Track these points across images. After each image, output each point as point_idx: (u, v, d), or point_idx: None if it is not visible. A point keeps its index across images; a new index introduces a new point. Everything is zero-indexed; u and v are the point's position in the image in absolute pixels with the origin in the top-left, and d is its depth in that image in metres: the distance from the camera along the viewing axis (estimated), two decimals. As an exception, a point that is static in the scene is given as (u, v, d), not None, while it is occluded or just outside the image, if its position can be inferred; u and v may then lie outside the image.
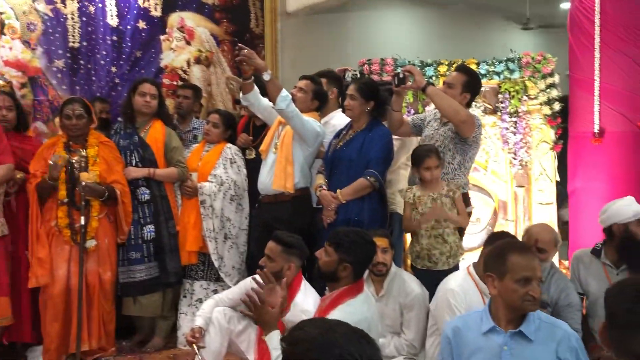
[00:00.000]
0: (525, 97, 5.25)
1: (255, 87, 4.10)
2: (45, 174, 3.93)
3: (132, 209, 4.19)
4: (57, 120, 4.74)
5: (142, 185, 4.27)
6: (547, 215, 5.20)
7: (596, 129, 4.98)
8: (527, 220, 5.26)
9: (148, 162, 4.33)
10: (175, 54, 5.97)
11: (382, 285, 3.63)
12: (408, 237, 4.20)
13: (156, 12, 5.86)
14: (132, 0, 5.71)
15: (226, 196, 4.47)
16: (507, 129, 5.26)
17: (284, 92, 3.88)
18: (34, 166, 4.02)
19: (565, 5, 6.35)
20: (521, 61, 5.26)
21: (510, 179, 5.33)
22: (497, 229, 5.18)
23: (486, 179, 5.35)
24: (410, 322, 3.59)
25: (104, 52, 5.60)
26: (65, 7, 5.44)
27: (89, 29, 5.54)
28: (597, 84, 4.97)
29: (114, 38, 5.64)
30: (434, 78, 5.28)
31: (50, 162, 3.88)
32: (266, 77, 3.87)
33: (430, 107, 4.82)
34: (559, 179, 5.31)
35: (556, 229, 4.66)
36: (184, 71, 6.00)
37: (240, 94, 4.21)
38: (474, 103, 4.43)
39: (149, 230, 4.26)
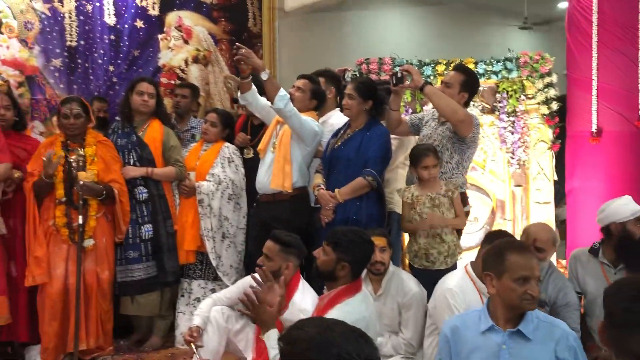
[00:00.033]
0: (523, 97, 5.25)
1: (253, 86, 4.10)
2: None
3: (130, 208, 4.18)
4: (54, 119, 4.74)
5: (140, 185, 4.27)
6: (545, 215, 5.20)
7: (594, 128, 4.99)
8: (524, 219, 5.26)
9: (146, 161, 4.32)
10: (173, 53, 5.97)
11: (380, 285, 3.63)
12: (406, 236, 4.21)
13: (154, 11, 5.86)
14: (129, -1, 5.72)
15: (224, 195, 4.46)
16: (504, 128, 5.27)
17: (282, 92, 3.88)
18: (32, 165, 4.02)
19: (563, 5, 6.35)
20: (519, 60, 5.26)
21: (508, 178, 5.34)
22: (495, 228, 5.18)
23: (484, 179, 5.35)
24: (408, 321, 3.59)
25: (102, 51, 5.60)
26: (62, 5, 5.44)
27: (87, 27, 5.54)
28: (594, 84, 4.98)
29: (112, 37, 5.65)
30: (431, 77, 5.28)
31: (44, 159, 3.87)
32: (264, 76, 3.86)
33: (429, 107, 4.82)
34: (556, 179, 5.32)
35: (554, 228, 4.66)
36: (182, 70, 6.01)
37: (238, 93, 4.21)
38: (472, 102, 4.43)
39: (146, 230, 4.25)
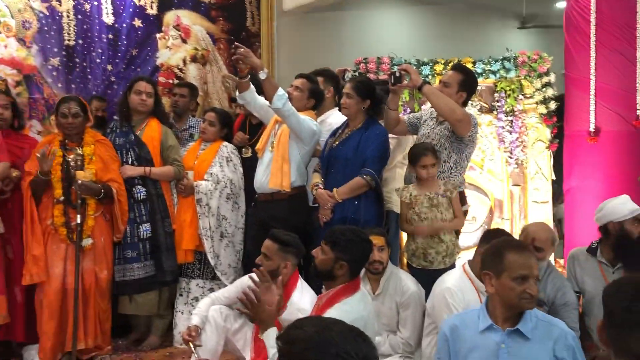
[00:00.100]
0: (521, 96, 5.26)
1: (252, 86, 4.10)
2: (41, 172, 3.92)
3: (128, 207, 4.18)
4: (52, 118, 4.73)
5: (138, 184, 4.27)
6: (543, 214, 5.22)
7: (592, 127, 4.99)
8: (522, 219, 5.27)
9: (144, 161, 4.32)
10: (171, 52, 5.96)
11: (379, 284, 3.63)
12: (404, 235, 4.21)
13: (152, 10, 5.85)
14: (127, -2, 5.71)
15: (222, 195, 4.46)
16: (503, 127, 5.27)
17: (280, 91, 3.88)
18: (30, 165, 4.01)
19: (561, 5, 6.35)
20: (517, 60, 5.27)
21: (506, 177, 5.34)
22: (492, 227, 5.18)
23: (482, 178, 5.35)
24: (406, 320, 3.59)
25: (100, 50, 5.59)
26: (60, 5, 5.42)
27: (85, 26, 5.53)
28: (592, 83, 4.98)
29: (110, 36, 5.63)
30: (430, 77, 5.28)
31: (38, 155, 3.86)
32: (262, 75, 3.86)
33: (427, 106, 4.82)
34: (554, 178, 5.32)
35: (552, 227, 4.67)
36: (180, 69, 5.99)
37: (237, 93, 4.21)
38: (470, 102, 4.43)
39: (145, 229, 4.25)
